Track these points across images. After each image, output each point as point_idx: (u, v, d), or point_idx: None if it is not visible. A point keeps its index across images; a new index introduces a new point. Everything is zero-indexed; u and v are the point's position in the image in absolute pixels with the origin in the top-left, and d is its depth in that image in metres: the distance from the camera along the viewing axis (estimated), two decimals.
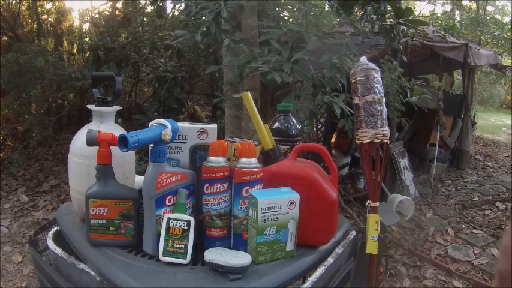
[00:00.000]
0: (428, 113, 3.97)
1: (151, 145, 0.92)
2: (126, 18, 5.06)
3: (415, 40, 3.61)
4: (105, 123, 1.07)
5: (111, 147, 0.94)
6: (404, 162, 3.94)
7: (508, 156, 6.35)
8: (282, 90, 2.53)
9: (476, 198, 4.15)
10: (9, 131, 4.31)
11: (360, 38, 3.29)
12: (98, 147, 0.94)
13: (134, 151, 1.06)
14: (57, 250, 0.99)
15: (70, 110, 4.89)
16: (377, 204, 1.20)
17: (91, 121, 1.08)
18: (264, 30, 2.36)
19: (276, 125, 1.22)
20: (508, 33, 9.09)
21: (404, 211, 2.84)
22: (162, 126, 0.94)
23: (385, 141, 1.14)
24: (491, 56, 5.20)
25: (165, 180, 0.91)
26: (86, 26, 5.84)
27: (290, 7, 3.10)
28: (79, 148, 1.02)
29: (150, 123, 0.97)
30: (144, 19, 5.33)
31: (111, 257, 0.90)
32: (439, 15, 9.85)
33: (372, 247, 1.13)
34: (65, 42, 5.82)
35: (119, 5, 5.36)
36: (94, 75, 1.19)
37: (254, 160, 0.94)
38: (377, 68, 1.16)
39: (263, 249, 0.89)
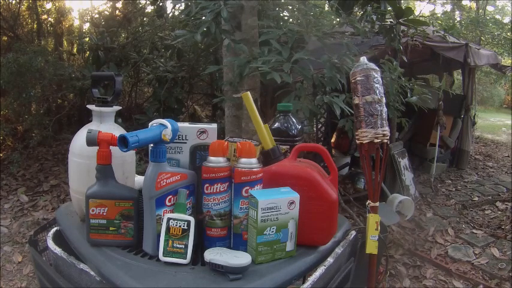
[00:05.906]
0: (428, 113, 3.96)
1: (151, 145, 0.92)
2: (126, 18, 5.06)
3: (415, 40, 3.61)
4: (105, 123, 1.07)
5: (111, 147, 0.94)
6: (404, 162, 3.94)
7: (508, 156, 6.35)
8: (282, 90, 2.53)
9: (476, 198, 4.15)
10: (9, 131, 4.30)
11: (360, 38, 3.29)
12: (98, 147, 0.94)
13: (134, 151, 1.07)
14: (57, 250, 0.99)
15: (70, 110, 4.88)
16: (377, 204, 1.20)
17: (91, 121, 1.08)
18: (264, 30, 2.36)
19: (276, 125, 1.22)
20: (508, 33, 9.08)
21: (404, 211, 2.85)
22: (162, 126, 0.94)
23: (385, 141, 1.14)
24: (491, 56, 5.20)
25: (165, 180, 0.91)
26: (86, 26, 5.85)
27: (290, 7, 3.10)
28: (79, 148, 1.02)
29: (150, 123, 0.97)
30: (144, 19, 5.33)
31: (111, 257, 0.90)
32: (439, 15, 9.85)
33: (371, 247, 1.13)
34: (65, 42, 5.82)
35: (119, 5, 5.36)
36: (94, 75, 1.19)
37: (254, 160, 0.94)
38: (377, 68, 1.16)
39: (263, 249, 0.89)
